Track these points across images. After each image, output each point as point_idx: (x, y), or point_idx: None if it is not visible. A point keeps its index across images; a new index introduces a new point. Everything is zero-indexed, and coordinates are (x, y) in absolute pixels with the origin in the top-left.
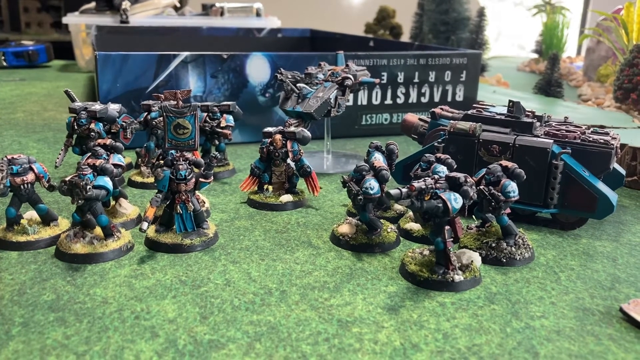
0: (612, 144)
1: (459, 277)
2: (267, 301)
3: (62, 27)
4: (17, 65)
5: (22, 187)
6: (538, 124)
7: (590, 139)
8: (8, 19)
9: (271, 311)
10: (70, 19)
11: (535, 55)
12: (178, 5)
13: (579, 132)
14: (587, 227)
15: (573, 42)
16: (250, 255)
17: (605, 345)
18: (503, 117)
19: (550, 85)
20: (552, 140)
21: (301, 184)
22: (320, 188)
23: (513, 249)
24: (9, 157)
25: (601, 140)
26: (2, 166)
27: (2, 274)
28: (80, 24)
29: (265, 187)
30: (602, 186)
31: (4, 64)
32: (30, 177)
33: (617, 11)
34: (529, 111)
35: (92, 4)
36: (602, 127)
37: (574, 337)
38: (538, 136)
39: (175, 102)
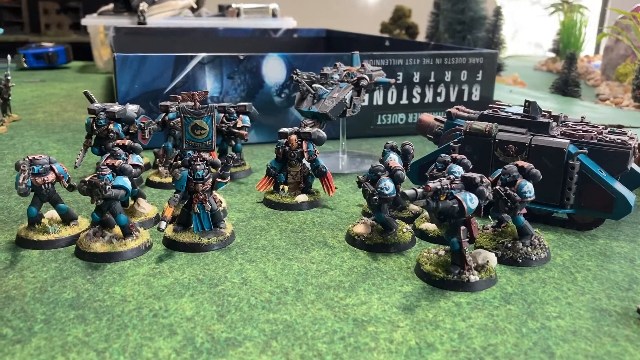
0: (630, 144)
1: (474, 277)
2: (283, 300)
3: (81, 29)
4: (37, 66)
5: (43, 187)
6: (554, 124)
7: (607, 139)
8: (28, 20)
9: (287, 310)
10: (89, 21)
11: (553, 55)
12: (195, 6)
13: (595, 132)
14: (604, 227)
15: (591, 41)
16: (267, 254)
17: (622, 346)
18: (519, 117)
19: (567, 84)
20: (568, 141)
21: (317, 184)
22: (336, 188)
23: (529, 249)
24: (30, 157)
25: (618, 140)
26: (24, 166)
27: (24, 272)
28: (98, 25)
29: (281, 187)
30: (619, 186)
31: (25, 65)
32: (50, 177)
33: (637, 9)
34: (545, 111)
35: (110, 6)
36: (619, 126)
37: (591, 338)
38: (554, 136)
39: (193, 103)
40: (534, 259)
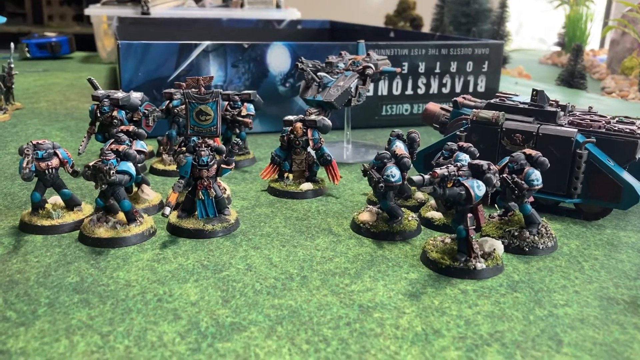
0: (638, 134)
1: (481, 264)
2: (288, 286)
3: (84, 20)
4: (40, 56)
5: (46, 172)
6: (562, 113)
7: (616, 128)
8: (31, 12)
9: (292, 296)
10: (93, 10)
11: (558, 48)
12: None
13: (603, 122)
14: (611, 217)
15: (596, 35)
16: (271, 241)
17: (631, 334)
18: (526, 106)
19: (573, 76)
20: (576, 130)
21: (321, 173)
22: (341, 177)
23: (536, 237)
24: (34, 142)
25: (627, 130)
26: (27, 151)
27: (28, 256)
28: (102, 15)
29: (285, 175)
30: (627, 176)
31: (28, 55)
32: (54, 162)
33: None
34: (552, 100)
35: None
36: (627, 117)
37: (599, 326)
38: (562, 125)
39: (198, 89)
40: (540, 247)
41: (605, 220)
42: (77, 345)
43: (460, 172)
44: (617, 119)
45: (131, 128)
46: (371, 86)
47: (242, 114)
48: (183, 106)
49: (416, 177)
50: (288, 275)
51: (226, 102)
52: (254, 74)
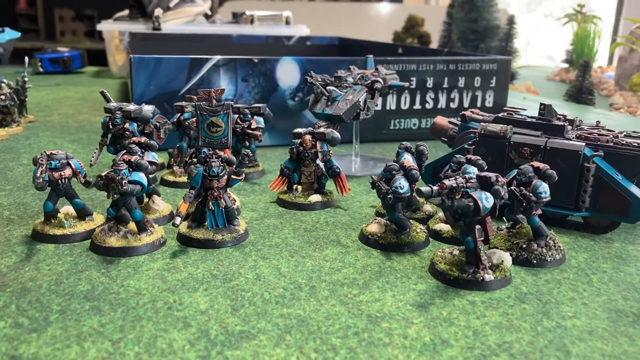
0: None
1: (489, 276)
2: (297, 296)
3: (95, 36)
4: (52, 71)
5: (59, 181)
6: (570, 127)
7: (624, 142)
8: (44, 28)
9: (301, 305)
10: (105, 26)
11: (566, 65)
12: (209, 13)
13: (611, 136)
14: (619, 231)
15: (604, 52)
16: (280, 251)
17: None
18: (534, 120)
19: (581, 92)
20: (584, 143)
21: (330, 185)
22: (349, 189)
23: (544, 250)
24: (48, 152)
25: (635, 144)
26: (41, 161)
27: (40, 264)
28: (113, 30)
29: (294, 187)
30: (635, 190)
31: (41, 69)
32: (67, 172)
33: None
34: (560, 114)
35: (126, 12)
36: (635, 132)
37: (607, 338)
38: (570, 139)
39: (209, 101)
40: (548, 260)
41: (613, 233)
42: (88, 351)
43: (469, 184)
44: (624, 133)
45: (143, 140)
46: (379, 100)
47: (252, 126)
48: (194, 119)
49: (424, 188)
50: (297, 285)
51: (236, 115)
52: (263, 88)
